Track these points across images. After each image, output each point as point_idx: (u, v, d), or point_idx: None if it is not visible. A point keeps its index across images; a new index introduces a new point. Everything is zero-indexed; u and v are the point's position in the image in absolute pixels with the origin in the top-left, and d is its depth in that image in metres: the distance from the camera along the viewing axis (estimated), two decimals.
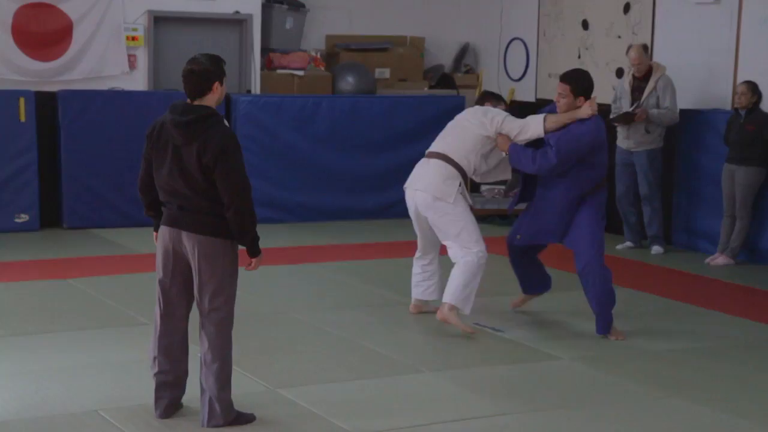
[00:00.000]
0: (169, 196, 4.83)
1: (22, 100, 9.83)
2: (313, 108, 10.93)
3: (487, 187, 11.23)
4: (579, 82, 6.58)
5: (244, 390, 5.39)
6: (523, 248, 6.99)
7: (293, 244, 9.73)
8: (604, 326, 6.64)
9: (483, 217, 11.08)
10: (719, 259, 9.12)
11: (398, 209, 11.37)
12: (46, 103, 10.01)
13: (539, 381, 5.83)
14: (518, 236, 6.88)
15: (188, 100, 4.80)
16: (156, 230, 5.03)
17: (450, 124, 6.96)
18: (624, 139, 9.62)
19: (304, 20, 11.55)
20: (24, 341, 6.29)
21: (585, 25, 11.10)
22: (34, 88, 10.02)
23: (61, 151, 10.02)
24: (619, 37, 10.62)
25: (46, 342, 6.30)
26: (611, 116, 9.56)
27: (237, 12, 11.02)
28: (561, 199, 6.64)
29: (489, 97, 7.11)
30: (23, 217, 9.91)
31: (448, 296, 6.58)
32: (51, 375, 5.65)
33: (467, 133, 6.74)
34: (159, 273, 4.96)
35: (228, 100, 10.64)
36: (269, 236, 9.93)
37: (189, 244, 4.79)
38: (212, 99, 4.78)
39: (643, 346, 6.54)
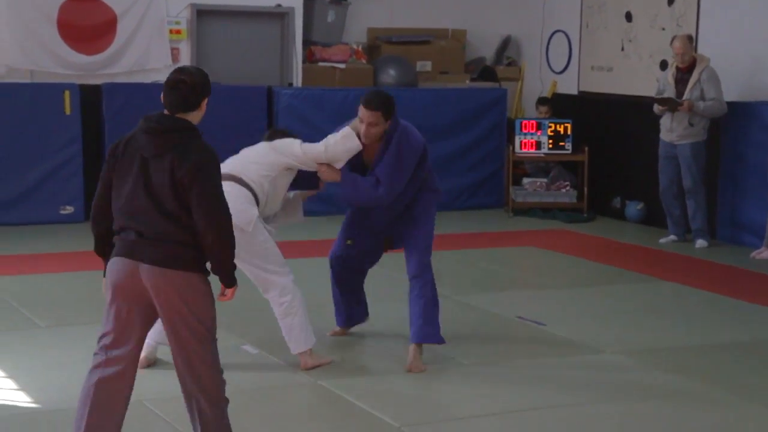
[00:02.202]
0: (128, 219, 4.05)
1: (67, 93, 9.93)
2: (354, 101, 10.87)
3: (529, 180, 11.18)
4: (388, 106, 5.75)
5: (286, 381, 5.42)
6: (348, 266, 6.22)
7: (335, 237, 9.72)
8: (429, 333, 5.90)
9: (524, 210, 11.04)
10: (764, 253, 9.02)
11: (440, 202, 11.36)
12: (90, 96, 10.10)
13: (582, 375, 5.80)
14: (348, 241, 6.17)
15: (166, 112, 4.11)
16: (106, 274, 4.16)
17: (240, 155, 5.90)
18: (667, 132, 9.53)
19: (346, 13, 11.56)
20: (68, 331, 6.36)
21: (628, 17, 11.00)
22: (78, 82, 10.13)
23: (105, 143, 10.11)
24: (663, 29, 10.52)
25: (89, 332, 6.31)
26: (655, 99, 9.49)
27: (279, 5, 11.04)
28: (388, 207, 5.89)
29: (278, 134, 6.04)
30: (68, 209, 10.02)
31: (296, 346, 5.72)
32: None
33: (263, 157, 5.76)
34: (104, 325, 4.12)
35: (270, 93, 10.69)
36: (311, 229, 9.97)
37: (150, 280, 3.98)
38: (197, 116, 4.13)
39: (686, 341, 6.49)
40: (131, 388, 4.17)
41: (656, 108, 9.53)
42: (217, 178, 4.03)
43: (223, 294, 4.17)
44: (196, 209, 3.95)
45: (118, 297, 4.07)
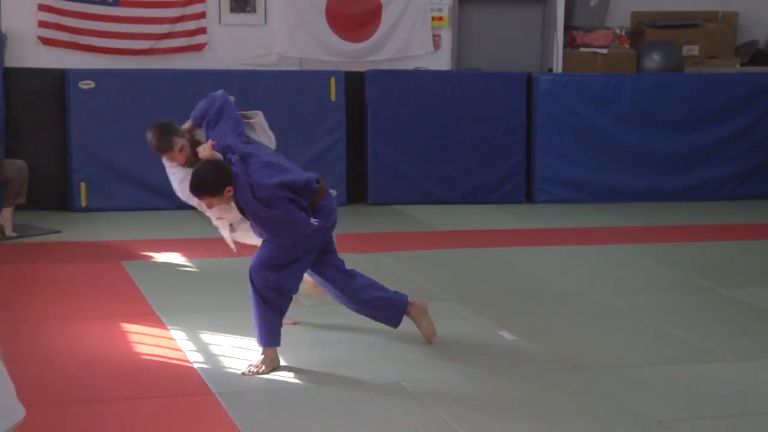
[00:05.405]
0: None
1: (332, 80, 10.26)
2: (616, 87, 10.71)
3: None
4: (207, 188, 5.37)
5: (542, 369, 5.37)
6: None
7: (595, 225, 9.59)
8: (258, 335, 5.50)
9: None
10: None
11: (705, 191, 10.99)
12: (354, 83, 10.39)
13: None
14: None
15: None
16: None
17: None
18: None
19: None
20: (329, 311, 6.53)
21: None
22: (343, 69, 10.44)
23: (368, 129, 10.37)
24: None
25: (347, 313, 6.51)
26: None
27: None
28: None
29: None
30: (332, 192, 10.34)
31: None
32: (356, 345, 5.85)
33: None
34: None
35: (529, 79, 10.63)
36: (571, 216, 9.87)
37: None
38: None
39: None
40: None
41: None
42: None
43: None
44: None
45: None
